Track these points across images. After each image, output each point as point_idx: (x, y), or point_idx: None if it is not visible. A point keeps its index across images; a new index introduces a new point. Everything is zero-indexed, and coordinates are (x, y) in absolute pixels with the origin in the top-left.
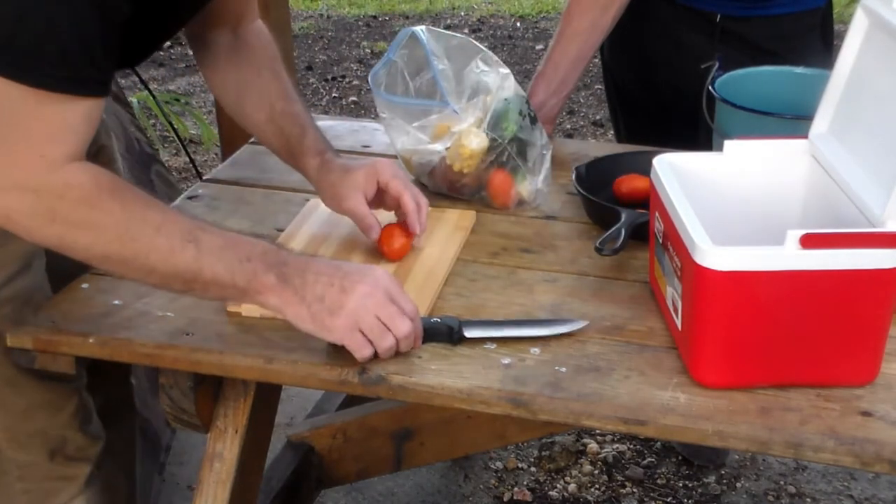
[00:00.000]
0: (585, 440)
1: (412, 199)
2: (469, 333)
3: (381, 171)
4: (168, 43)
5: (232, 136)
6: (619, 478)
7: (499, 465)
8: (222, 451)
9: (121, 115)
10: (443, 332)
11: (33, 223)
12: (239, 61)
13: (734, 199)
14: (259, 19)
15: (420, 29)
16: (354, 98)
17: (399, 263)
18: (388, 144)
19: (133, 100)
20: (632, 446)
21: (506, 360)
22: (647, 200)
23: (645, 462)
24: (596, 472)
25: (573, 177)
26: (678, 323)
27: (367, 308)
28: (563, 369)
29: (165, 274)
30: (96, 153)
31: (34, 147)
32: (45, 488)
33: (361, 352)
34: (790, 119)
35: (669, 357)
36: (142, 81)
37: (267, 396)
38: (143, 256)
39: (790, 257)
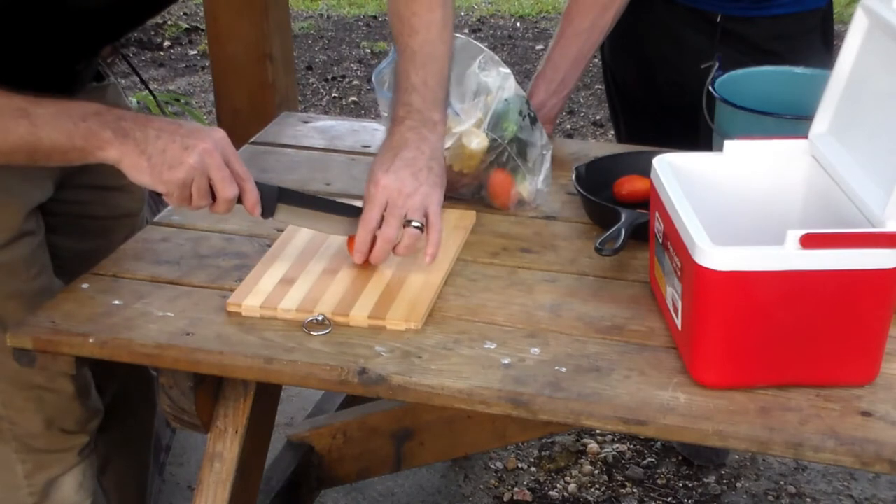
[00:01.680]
0: (585, 440)
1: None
2: (285, 202)
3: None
4: (168, 43)
5: (232, 136)
6: (619, 478)
7: (499, 465)
8: (222, 451)
9: None
10: (269, 198)
11: None
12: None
13: (734, 199)
14: None
15: None
16: (354, 98)
17: (399, 263)
18: None
19: (133, 100)
20: (632, 446)
21: (506, 360)
22: (647, 201)
23: (645, 462)
24: (596, 472)
25: (573, 177)
26: (678, 323)
27: (205, 166)
28: (563, 369)
29: (5, 152)
30: None
31: None
32: (41, 459)
33: (177, 204)
34: (790, 119)
35: (669, 357)
36: (142, 81)
37: (267, 396)
38: None
39: (790, 257)
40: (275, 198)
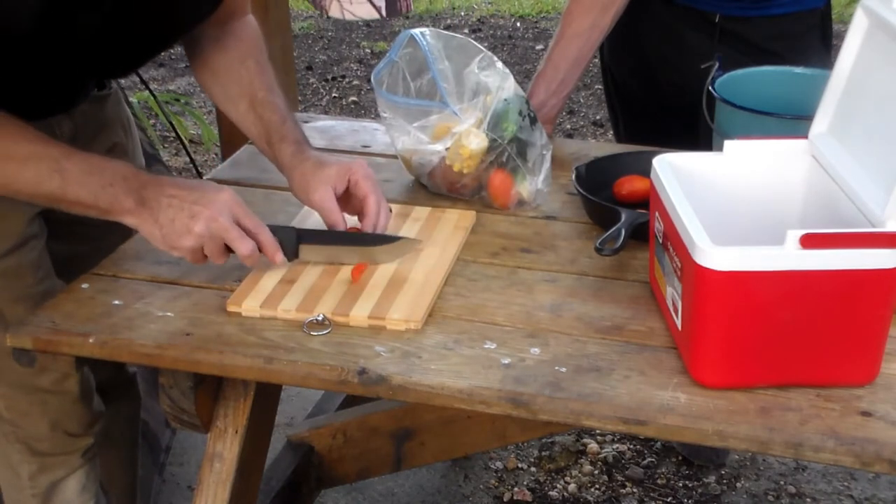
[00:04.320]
0: (585, 440)
1: (376, 202)
2: (306, 242)
3: (354, 170)
4: None
5: (232, 136)
6: (619, 478)
7: (499, 465)
8: (222, 451)
9: None
10: (288, 241)
11: None
12: (225, 51)
13: (734, 199)
14: (249, 14)
15: (419, 31)
16: (354, 98)
17: (399, 263)
18: (388, 144)
19: (133, 100)
20: (632, 446)
21: (506, 360)
22: (647, 201)
23: (645, 462)
24: (596, 472)
25: (573, 177)
26: (678, 323)
27: (212, 232)
28: (563, 369)
29: (31, 195)
30: (108, 150)
31: None
32: (45, 462)
33: (197, 264)
34: (790, 119)
35: (669, 357)
36: (142, 81)
37: (267, 396)
38: (10, 185)
39: (790, 257)
40: (294, 240)
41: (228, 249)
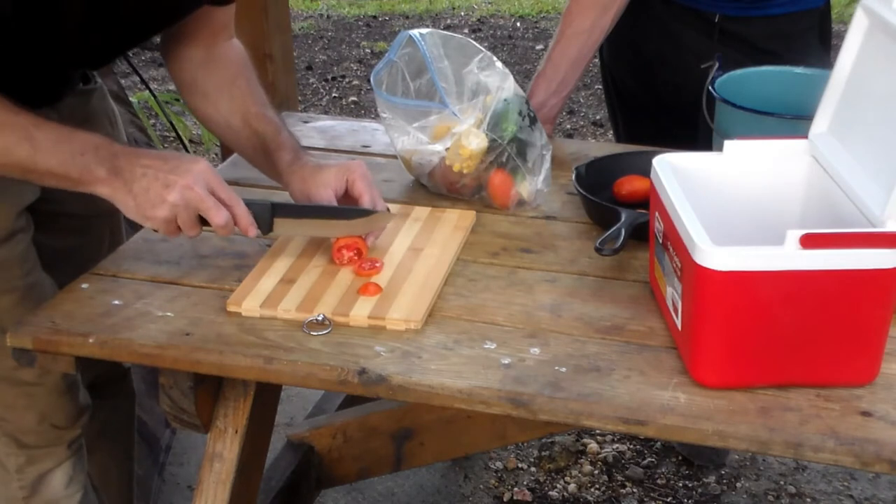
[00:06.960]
0: (585, 440)
1: (370, 201)
2: (280, 216)
3: (352, 170)
4: None
5: None
6: (619, 478)
7: (499, 465)
8: (222, 451)
9: (121, 115)
10: (263, 215)
11: None
12: (214, 72)
13: (734, 199)
14: (234, 37)
15: (418, 32)
16: (354, 98)
17: (399, 263)
18: (387, 144)
19: (134, 99)
20: (632, 446)
21: (506, 360)
22: (647, 201)
23: (645, 462)
24: (596, 472)
25: (573, 177)
26: (678, 323)
27: (187, 201)
28: (563, 369)
29: (3, 164)
30: None
31: None
32: (32, 454)
33: (170, 236)
34: (790, 119)
35: (669, 357)
36: (143, 81)
37: (267, 396)
38: None
39: (790, 257)
40: (269, 213)
41: (202, 221)
